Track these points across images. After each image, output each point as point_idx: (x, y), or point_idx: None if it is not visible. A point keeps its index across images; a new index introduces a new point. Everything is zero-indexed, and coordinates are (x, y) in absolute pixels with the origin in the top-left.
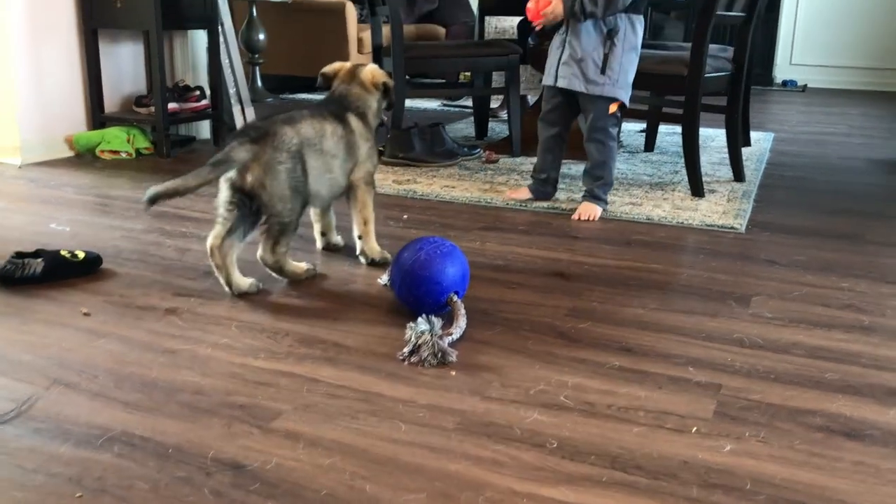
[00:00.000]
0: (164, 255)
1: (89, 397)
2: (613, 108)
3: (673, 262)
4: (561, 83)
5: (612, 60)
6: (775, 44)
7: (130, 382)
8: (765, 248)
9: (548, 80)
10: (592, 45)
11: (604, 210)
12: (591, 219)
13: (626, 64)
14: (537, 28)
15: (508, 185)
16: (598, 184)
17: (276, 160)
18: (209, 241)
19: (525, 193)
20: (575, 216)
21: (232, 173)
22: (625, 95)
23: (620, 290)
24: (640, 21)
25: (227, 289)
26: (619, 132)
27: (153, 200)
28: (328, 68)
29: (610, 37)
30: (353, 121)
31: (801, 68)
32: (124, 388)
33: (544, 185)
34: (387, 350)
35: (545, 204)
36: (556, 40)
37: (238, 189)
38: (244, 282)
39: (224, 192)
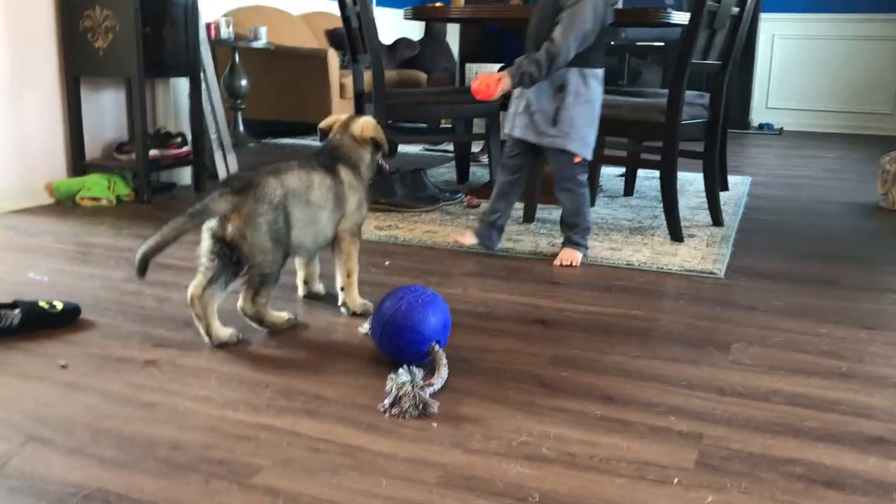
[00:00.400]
0: (143, 305)
1: (65, 454)
2: (577, 158)
3: (653, 308)
4: (516, 133)
5: (563, 113)
6: (751, 88)
7: (107, 438)
8: (744, 293)
9: (506, 128)
10: (544, 99)
11: (584, 255)
12: (572, 264)
13: (580, 117)
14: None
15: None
16: (575, 230)
17: (257, 212)
18: (190, 291)
19: (470, 238)
20: (556, 262)
21: (213, 223)
22: (580, 148)
23: (602, 337)
24: (594, 75)
25: (206, 339)
26: (589, 176)
27: (144, 264)
28: (324, 122)
29: (560, 91)
30: (344, 172)
31: (777, 112)
32: (101, 443)
33: (490, 230)
34: (368, 401)
35: (526, 249)
36: (516, 91)
37: (219, 239)
38: (224, 332)
39: (206, 242)
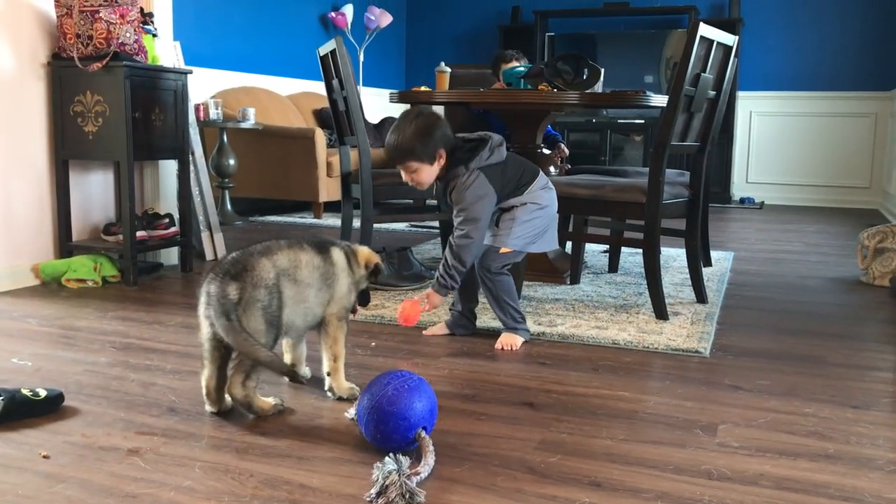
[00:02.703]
0: (127, 391)
1: None
2: (504, 250)
3: (640, 388)
4: None
5: (504, 225)
6: (731, 162)
7: None
8: (729, 372)
9: None
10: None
11: (525, 338)
12: (512, 348)
13: (520, 225)
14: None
15: (475, 309)
16: (504, 315)
17: (255, 298)
18: (204, 384)
19: (442, 329)
20: (497, 345)
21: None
22: (510, 241)
23: (589, 419)
24: (529, 198)
25: (251, 416)
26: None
27: None
28: None
29: (506, 211)
30: (337, 254)
31: (757, 186)
32: None
33: (460, 319)
34: (353, 490)
35: None
36: None
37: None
38: (268, 404)
39: (205, 329)
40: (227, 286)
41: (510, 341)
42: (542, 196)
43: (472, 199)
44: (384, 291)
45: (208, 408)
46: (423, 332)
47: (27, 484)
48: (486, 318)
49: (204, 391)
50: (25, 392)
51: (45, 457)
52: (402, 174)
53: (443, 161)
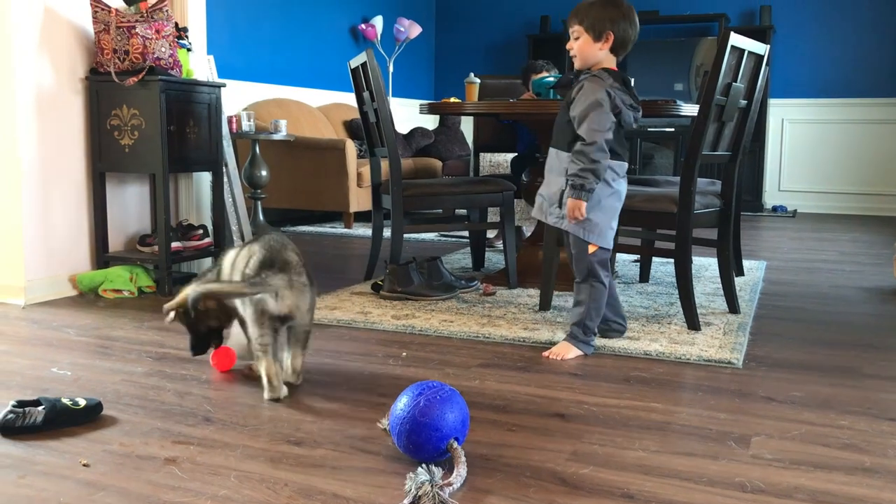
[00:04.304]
0: (164, 400)
1: None
2: (591, 248)
3: (672, 400)
4: (533, 213)
5: (566, 196)
6: (763, 170)
7: None
8: (762, 383)
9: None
10: (553, 182)
11: (584, 353)
12: (559, 358)
13: (589, 204)
14: None
15: (506, 319)
16: (574, 322)
17: (303, 283)
18: (275, 371)
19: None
20: (545, 353)
21: (270, 305)
22: (592, 237)
23: (621, 431)
24: (610, 166)
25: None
26: (608, 273)
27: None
28: None
29: (566, 173)
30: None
31: (790, 194)
32: None
33: (605, 324)
34: (386, 501)
35: (542, 339)
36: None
37: (276, 316)
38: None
39: (267, 323)
40: (302, 275)
41: (563, 351)
42: (620, 181)
43: (595, 94)
44: (415, 301)
45: (284, 393)
46: (544, 355)
47: (68, 492)
48: (518, 327)
49: (277, 380)
50: (65, 401)
51: (85, 465)
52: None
53: (606, 46)
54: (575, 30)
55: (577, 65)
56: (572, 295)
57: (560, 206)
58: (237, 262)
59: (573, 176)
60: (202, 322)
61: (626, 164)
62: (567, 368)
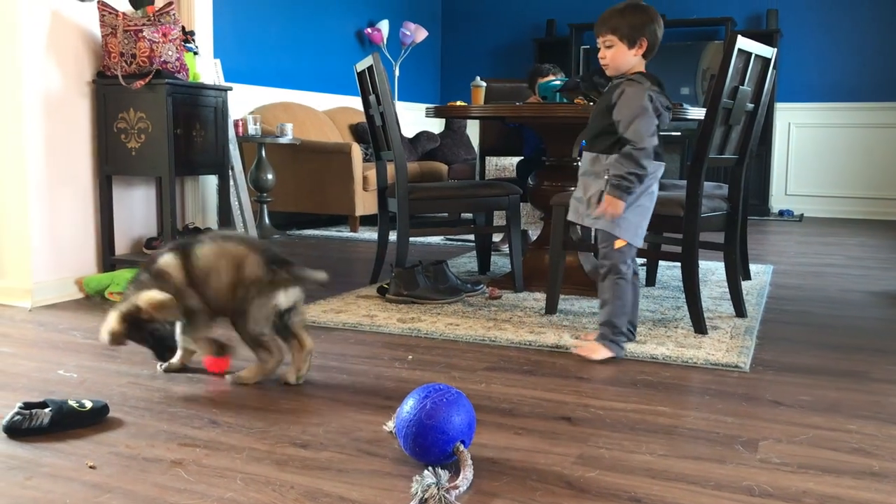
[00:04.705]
0: (169, 403)
1: None
2: (618, 244)
3: (679, 403)
4: (570, 216)
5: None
6: (770, 174)
7: None
8: (769, 387)
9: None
10: (592, 184)
11: (614, 353)
12: (587, 357)
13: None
14: None
15: (512, 322)
16: (601, 320)
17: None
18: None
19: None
20: (575, 349)
21: (280, 299)
22: (624, 233)
23: (628, 434)
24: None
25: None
26: (634, 273)
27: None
28: None
29: (604, 176)
30: None
31: (796, 198)
32: None
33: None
34: (393, 503)
35: (549, 342)
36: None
37: (281, 311)
38: None
39: (271, 318)
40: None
41: (590, 351)
42: (655, 182)
43: (640, 98)
44: (421, 305)
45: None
46: (581, 337)
47: (74, 493)
48: (524, 330)
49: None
50: (72, 403)
51: (91, 467)
52: (600, 48)
53: (640, 52)
54: (608, 39)
55: (609, 72)
56: (578, 298)
57: (597, 206)
58: (217, 266)
59: (618, 177)
60: (151, 331)
61: (663, 166)
62: (573, 372)
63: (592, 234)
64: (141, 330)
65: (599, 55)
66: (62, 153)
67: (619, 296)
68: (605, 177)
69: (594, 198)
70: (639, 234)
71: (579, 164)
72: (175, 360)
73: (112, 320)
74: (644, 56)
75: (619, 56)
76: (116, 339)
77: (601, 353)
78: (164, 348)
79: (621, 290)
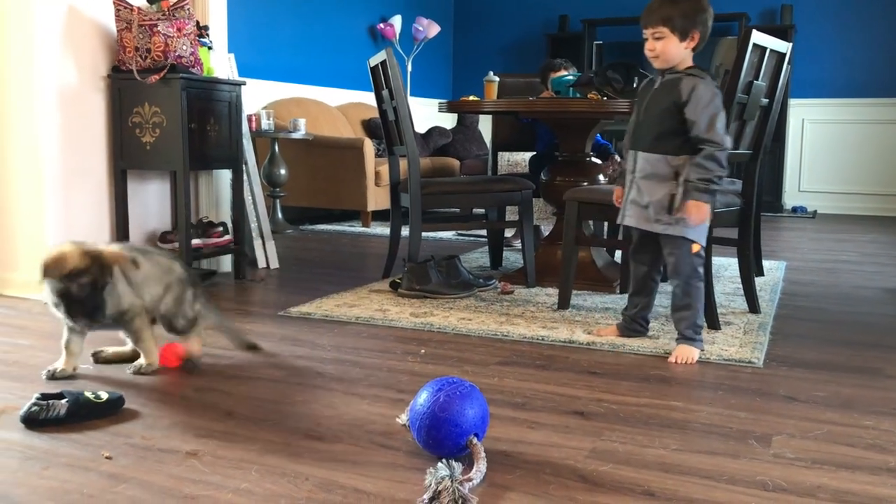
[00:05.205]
0: (184, 395)
1: None
2: (695, 248)
3: (692, 398)
4: (627, 221)
5: (679, 200)
6: (783, 171)
7: None
8: (783, 383)
9: (619, 217)
10: (658, 187)
11: (701, 350)
12: (687, 362)
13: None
14: None
15: (525, 317)
16: (685, 325)
17: None
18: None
19: (613, 331)
20: (671, 359)
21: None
22: (697, 234)
23: (641, 429)
24: None
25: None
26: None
27: None
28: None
29: (676, 177)
30: None
31: (810, 195)
32: None
33: (631, 324)
34: (406, 496)
35: (561, 337)
36: (627, 177)
37: None
38: None
39: None
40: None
41: (688, 354)
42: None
43: (715, 96)
44: (433, 299)
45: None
46: (594, 332)
47: (91, 483)
48: (536, 325)
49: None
50: (88, 395)
51: (107, 457)
52: (646, 41)
53: (691, 45)
54: (658, 31)
55: (657, 65)
56: (591, 294)
57: (669, 212)
58: (150, 275)
59: (703, 181)
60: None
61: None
62: (586, 366)
63: (605, 229)
64: (91, 276)
65: (647, 47)
66: (77, 147)
67: (698, 298)
68: (679, 180)
69: (664, 201)
70: (706, 235)
71: (594, 159)
72: (62, 364)
73: (72, 249)
74: (693, 49)
75: (670, 49)
76: (66, 268)
77: (695, 353)
78: (94, 307)
79: (700, 293)
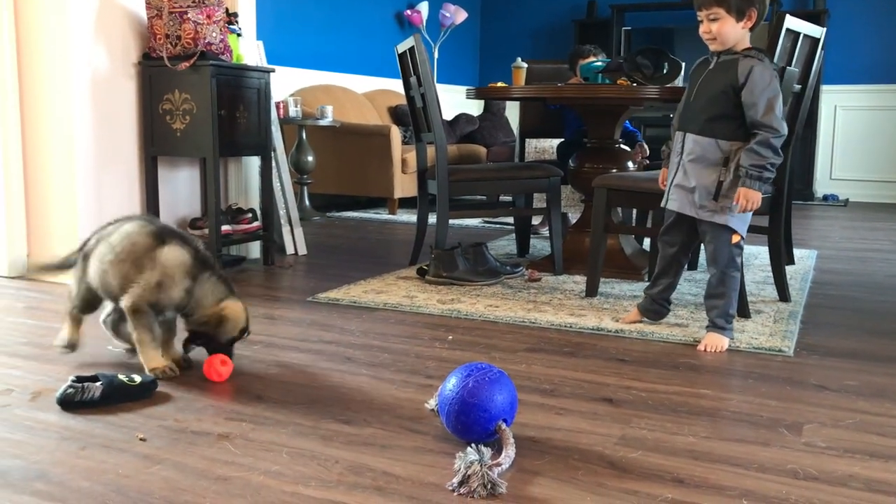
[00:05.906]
0: None
1: None
2: (735, 238)
3: (722, 386)
4: (672, 206)
5: (727, 187)
6: (815, 158)
7: None
8: (814, 372)
9: (663, 200)
10: (704, 173)
11: (731, 339)
12: (716, 351)
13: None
14: None
15: (552, 305)
16: (716, 314)
17: None
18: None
19: (636, 315)
20: (700, 347)
21: None
22: (739, 225)
23: (670, 416)
24: None
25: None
26: (741, 262)
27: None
28: None
29: (723, 164)
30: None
31: (841, 182)
32: None
33: (653, 304)
34: (436, 479)
35: (589, 325)
36: (673, 159)
37: None
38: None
39: None
40: None
41: (717, 343)
42: None
43: (773, 79)
44: (460, 286)
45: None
46: (621, 319)
47: (126, 464)
48: (564, 312)
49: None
50: (122, 378)
51: (142, 439)
52: (701, 23)
53: (749, 24)
54: (713, 11)
55: (714, 48)
56: (619, 281)
57: (715, 199)
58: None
59: (757, 167)
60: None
61: None
62: (614, 354)
63: (633, 217)
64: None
65: (702, 30)
66: (109, 134)
67: (733, 287)
68: (728, 166)
69: (712, 186)
70: (747, 224)
71: (622, 146)
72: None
73: None
74: (751, 29)
75: (727, 30)
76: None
77: (725, 342)
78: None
79: (735, 283)
